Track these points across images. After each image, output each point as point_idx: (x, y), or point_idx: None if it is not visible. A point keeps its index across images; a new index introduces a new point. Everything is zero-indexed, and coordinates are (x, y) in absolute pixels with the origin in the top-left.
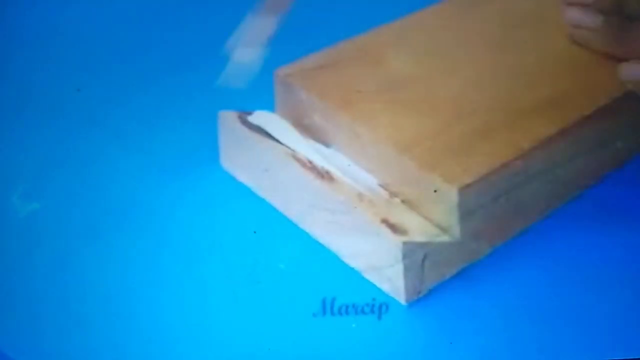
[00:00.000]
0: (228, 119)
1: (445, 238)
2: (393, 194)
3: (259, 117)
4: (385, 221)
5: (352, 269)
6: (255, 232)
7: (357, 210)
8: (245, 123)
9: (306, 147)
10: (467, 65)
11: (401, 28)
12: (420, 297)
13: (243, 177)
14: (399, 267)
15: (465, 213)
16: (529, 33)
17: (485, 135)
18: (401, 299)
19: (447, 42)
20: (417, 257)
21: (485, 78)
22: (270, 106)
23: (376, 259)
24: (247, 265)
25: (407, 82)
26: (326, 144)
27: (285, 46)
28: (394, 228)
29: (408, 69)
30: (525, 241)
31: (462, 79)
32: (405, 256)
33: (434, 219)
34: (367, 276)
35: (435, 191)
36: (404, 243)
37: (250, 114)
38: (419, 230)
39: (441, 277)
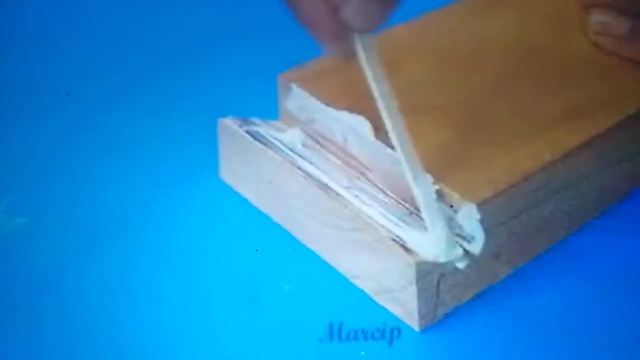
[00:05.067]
0: (228, 127)
1: (462, 258)
2: (406, 210)
3: (262, 125)
4: (397, 239)
5: (362, 290)
6: (257, 250)
7: (367, 227)
8: (247, 131)
9: (312, 158)
10: (485, 70)
11: (415, 29)
12: (435, 322)
13: (244, 190)
14: (413, 290)
15: (485, 231)
16: (551, 36)
17: (504, 146)
18: (414, 324)
19: (463, 45)
20: (432, 279)
21: (504, 84)
22: (274, 113)
23: (388, 280)
24: (248, 286)
25: (420, 88)
26: (334, 155)
27: (289, 48)
28: (407, 247)
29: (422, 73)
30: (548, 261)
31: (479, 84)
32: (419, 277)
33: (451, 237)
34: (378, 299)
35: (451, 206)
36: (418, 263)
37: (252, 121)
38: (435, 249)
39: (458, 300)
